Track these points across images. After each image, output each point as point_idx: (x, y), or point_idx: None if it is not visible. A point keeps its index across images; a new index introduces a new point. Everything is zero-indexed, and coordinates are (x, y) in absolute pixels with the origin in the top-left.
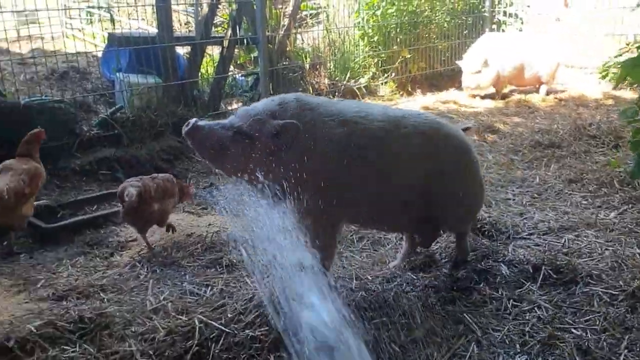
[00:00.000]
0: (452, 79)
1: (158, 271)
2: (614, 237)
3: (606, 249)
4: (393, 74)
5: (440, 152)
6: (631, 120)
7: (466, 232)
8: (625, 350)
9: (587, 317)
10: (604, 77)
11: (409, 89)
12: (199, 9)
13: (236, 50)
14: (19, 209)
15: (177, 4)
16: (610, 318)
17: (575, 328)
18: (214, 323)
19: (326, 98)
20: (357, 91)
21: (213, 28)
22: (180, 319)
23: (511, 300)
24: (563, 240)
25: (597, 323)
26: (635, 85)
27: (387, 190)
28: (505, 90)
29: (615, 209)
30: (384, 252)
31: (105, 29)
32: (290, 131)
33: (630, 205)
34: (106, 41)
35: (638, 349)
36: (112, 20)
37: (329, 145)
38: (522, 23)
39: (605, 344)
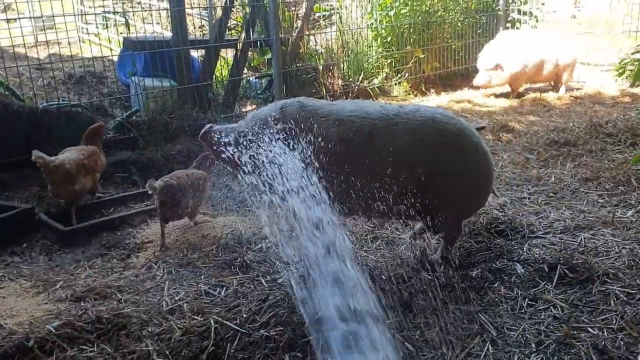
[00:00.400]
0: (466, 78)
1: (174, 272)
2: (631, 236)
3: (623, 248)
4: (407, 74)
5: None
6: None
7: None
8: None
9: (604, 316)
10: (620, 75)
11: (423, 89)
12: (213, 12)
13: (250, 52)
14: (79, 179)
15: (192, 8)
16: (627, 317)
17: (591, 327)
18: (229, 323)
19: (326, 101)
20: (370, 92)
21: (227, 31)
22: (196, 319)
23: (526, 299)
24: (579, 239)
25: (614, 322)
26: None
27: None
28: (521, 89)
29: (633, 208)
30: (399, 252)
31: (121, 33)
32: None
33: None
34: (121, 45)
35: None
36: (127, 25)
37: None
38: (537, 21)
39: (622, 343)
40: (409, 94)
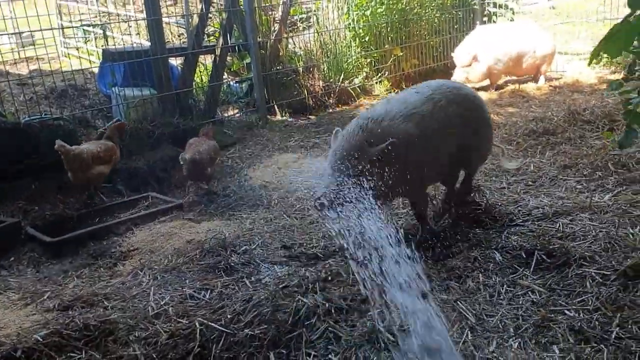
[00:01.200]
0: (445, 74)
1: (159, 278)
2: (608, 219)
3: (600, 231)
4: (386, 73)
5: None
6: (620, 92)
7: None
8: (617, 328)
9: (580, 298)
10: (589, 63)
11: (404, 87)
12: (190, 19)
13: (229, 57)
14: (94, 167)
15: (168, 16)
16: (603, 297)
17: (568, 309)
18: (214, 324)
19: (371, 108)
20: (352, 92)
21: (205, 37)
22: (181, 322)
23: (505, 286)
24: (557, 225)
25: (590, 303)
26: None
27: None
28: (500, 82)
29: (610, 192)
30: None
31: (102, 45)
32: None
33: (624, 187)
34: (101, 58)
35: (629, 326)
36: (105, 37)
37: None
38: (513, 13)
39: (597, 323)
40: (390, 91)
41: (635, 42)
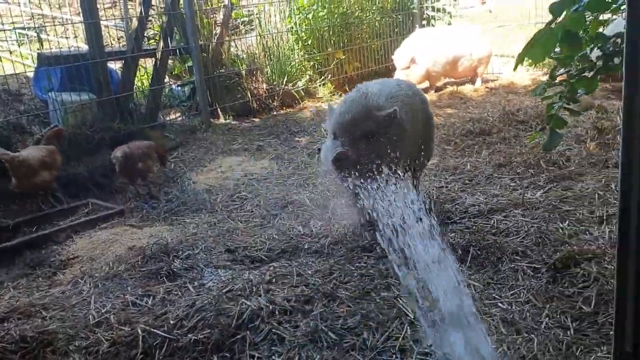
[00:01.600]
0: (387, 76)
1: (100, 285)
2: (539, 215)
3: (532, 226)
4: (330, 76)
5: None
6: (543, 97)
7: None
8: (547, 319)
9: (513, 291)
10: (515, 68)
11: (347, 89)
12: (129, 23)
13: (171, 61)
14: (40, 173)
15: (106, 19)
16: (534, 290)
17: (501, 302)
18: (156, 331)
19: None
20: (296, 94)
21: (146, 40)
22: (123, 329)
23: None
24: (492, 221)
25: (522, 296)
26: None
27: None
28: (440, 84)
29: (542, 188)
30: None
31: (37, 49)
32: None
33: (555, 184)
34: (36, 61)
35: (558, 316)
36: (40, 40)
37: None
38: (450, 17)
39: (528, 314)
40: (333, 94)
41: (557, 48)
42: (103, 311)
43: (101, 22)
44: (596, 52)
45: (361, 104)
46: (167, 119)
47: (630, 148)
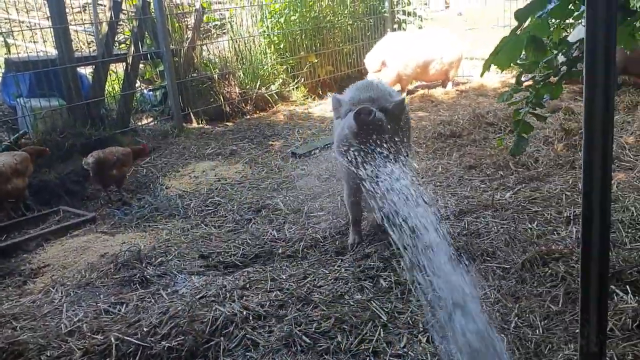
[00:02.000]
0: (359, 80)
1: (72, 294)
2: (509, 216)
3: (501, 227)
4: (303, 79)
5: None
6: (510, 103)
7: None
8: (516, 318)
9: (483, 292)
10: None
11: (320, 93)
12: (99, 27)
13: (142, 65)
14: (12, 180)
15: (75, 24)
16: (503, 290)
17: None
18: (130, 338)
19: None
20: (269, 98)
21: (117, 45)
22: (96, 338)
23: (415, 283)
24: (463, 222)
25: (492, 296)
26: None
27: None
28: (411, 87)
29: (510, 189)
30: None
31: (5, 54)
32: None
33: (523, 185)
34: (3, 67)
35: (527, 315)
36: (7, 45)
37: None
38: (421, 21)
39: (498, 314)
40: (307, 98)
41: (522, 55)
42: (75, 320)
43: (70, 26)
44: (561, 58)
45: (377, 87)
46: (139, 124)
47: (591, 148)
